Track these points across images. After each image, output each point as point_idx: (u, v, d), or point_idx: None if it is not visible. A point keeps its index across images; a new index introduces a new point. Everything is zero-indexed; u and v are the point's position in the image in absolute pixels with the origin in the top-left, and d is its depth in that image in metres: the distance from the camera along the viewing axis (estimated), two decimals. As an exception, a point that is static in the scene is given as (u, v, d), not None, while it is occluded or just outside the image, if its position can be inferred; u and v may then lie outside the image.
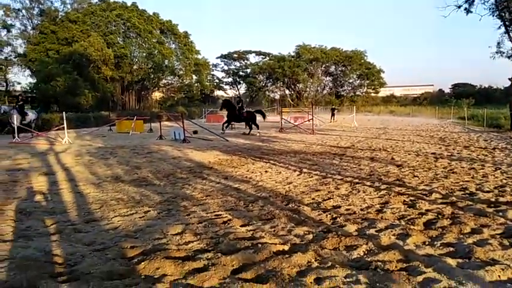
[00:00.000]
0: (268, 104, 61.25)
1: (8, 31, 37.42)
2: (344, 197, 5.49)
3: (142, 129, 21.26)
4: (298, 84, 62.08)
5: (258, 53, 65.06)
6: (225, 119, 19.39)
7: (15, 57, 38.28)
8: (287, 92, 64.37)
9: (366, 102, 61.59)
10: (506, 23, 18.51)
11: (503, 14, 18.26)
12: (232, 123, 19.80)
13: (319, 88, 62.97)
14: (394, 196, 5.49)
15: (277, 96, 64.78)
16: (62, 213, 4.79)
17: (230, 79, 67.27)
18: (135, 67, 42.36)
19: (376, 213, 4.64)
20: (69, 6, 41.40)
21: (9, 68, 37.55)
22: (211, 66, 60.07)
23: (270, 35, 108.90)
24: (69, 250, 3.40)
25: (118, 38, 40.33)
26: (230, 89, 68.28)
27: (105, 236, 3.84)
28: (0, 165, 8.98)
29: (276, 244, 3.52)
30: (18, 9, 38.45)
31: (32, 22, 40.01)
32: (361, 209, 4.82)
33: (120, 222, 4.35)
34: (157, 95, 51.92)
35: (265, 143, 13.99)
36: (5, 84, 37.78)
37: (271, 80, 62.70)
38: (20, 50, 38.73)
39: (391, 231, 3.89)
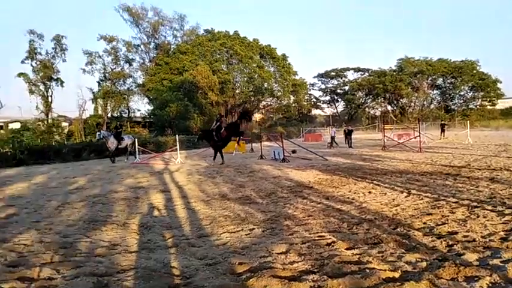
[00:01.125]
0: (369, 121, 59.07)
1: (130, 65, 42.95)
2: (461, 222, 4.96)
3: (244, 149, 22.21)
4: (401, 99, 58.82)
5: (357, 70, 63.57)
6: (323, 137, 18.93)
7: (135, 87, 43.57)
8: (389, 107, 61.40)
9: (481, 116, 55.10)
10: None
11: None
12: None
13: (425, 102, 58.68)
14: (523, 223, 4.79)
15: (378, 113, 62.16)
16: (178, 228, 5.24)
17: (328, 97, 66.80)
18: (237, 91, 44.90)
19: (500, 241, 4.10)
20: (179, 39, 45.96)
21: (130, 96, 42.79)
22: (308, 86, 60.57)
23: (368, 51, 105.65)
24: (184, 263, 3.70)
25: (222, 65, 43.40)
26: (328, 107, 67.86)
27: (216, 251, 4.08)
28: (124, 183, 10.21)
29: (385, 270, 3.33)
30: (138, 45, 43.96)
31: (149, 55, 45.35)
32: (482, 236, 4.30)
33: (228, 239, 4.58)
34: (257, 116, 54.04)
35: (367, 162, 13.44)
36: (127, 111, 43.10)
37: (371, 96, 60.57)
38: (139, 81, 44.05)
39: (521, 263, 3.39)
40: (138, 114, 44.48)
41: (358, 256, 3.78)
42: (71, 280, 3.33)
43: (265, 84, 46.06)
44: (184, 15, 44.64)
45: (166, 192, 8.35)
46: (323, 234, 4.64)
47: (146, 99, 43.93)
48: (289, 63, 49.53)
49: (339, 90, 65.33)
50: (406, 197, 6.97)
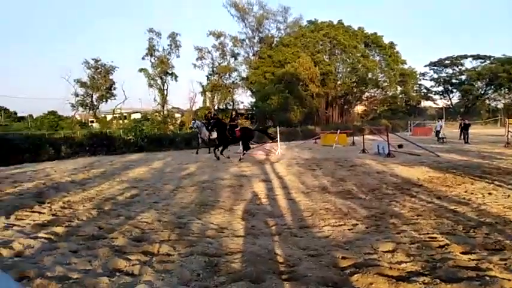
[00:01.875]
0: (489, 114, 52.55)
1: (235, 59, 44.84)
2: None
3: (345, 142, 21.67)
4: (531, 90, 50.95)
5: (476, 57, 56.54)
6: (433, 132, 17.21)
7: (239, 81, 45.41)
8: (514, 99, 53.68)
9: None
10: None
11: None
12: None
13: None
14: None
15: (501, 105, 54.85)
16: (279, 217, 5.38)
17: (440, 88, 60.89)
18: (338, 82, 43.80)
19: None
20: (282, 32, 46.44)
21: (235, 90, 44.80)
22: (418, 76, 56.06)
23: (489, 35, 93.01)
24: (287, 251, 3.80)
25: (324, 56, 42.72)
26: (440, 98, 61.82)
27: (318, 243, 4.10)
28: (229, 171, 10.81)
29: (509, 280, 2.98)
30: (243, 40, 45.62)
31: (253, 49, 46.76)
32: None
33: (330, 232, 4.56)
34: (359, 108, 52.08)
35: (487, 160, 12.00)
36: (231, 103, 45.27)
37: (492, 86, 53.60)
38: (243, 74, 45.74)
39: None
40: (241, 106, 46.43)
41: (475, 262, 3.44)
42: (186, 257, 3.68)
43: (370, 75, 43.99)
44: (288, 8, 44.87)
45: (268, 182, 8.61)
46: (434, 235, 4.32)
47: (249, 92, 45.54)
48: (396, 52, 46.47)
49: (454, 80, 58.97)
50: (536, 201, 6.08)
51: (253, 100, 42.48)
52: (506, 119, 24.50)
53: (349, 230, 4.67)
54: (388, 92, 47.90)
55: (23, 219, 5.35)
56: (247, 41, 46.02)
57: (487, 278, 3.02)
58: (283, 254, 3.74)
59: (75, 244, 4.11)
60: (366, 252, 3.76)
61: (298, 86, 36.79)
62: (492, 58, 54.37)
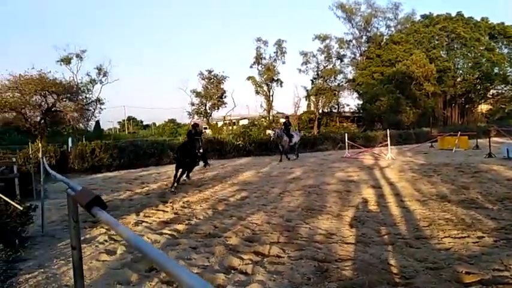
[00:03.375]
0: None
1: (341, 61, 43.85)
2: None
3: (467, 145, 19.49)
4: None
5: None
6: None
7: (345, 83, 44.27)
8: None
9: None
10: None
11: None
12: None
13: None
14: None
15: None
16: (392, 225, 5.09)
17: None
18: (458, 79, 39.69)
19: None
20: (393, 29, 43.96)
21: (340, 92, 43.81)
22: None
23: None
24: (402, 263, 3.57)
25: (441, 52, 39.19)
26: None
27: (437, 256, 3.77)
28: (335, 175, 10.60)
29: None
30: (350, 40, 44.42)
31: (360, 49, 45.18)
32: None
33: (451, 244, 4.15)
34: (483, 107, 46.35)
35: None
36: (336, 106, 44.37)
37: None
38: (350, 76, 44.46)
39: None
40: (346, 109, 45.18)
41: None
42: (296, 261, 3.73)
43: (496, 69, 38.86)
44: (399, 3, 42.22)
45: (377, 188, 8.21)
46: None
47: (355, 94, 44.07)
48: (530, 42, 40.29)
49: None
50: None
51: (360, 102, 41.02)
52: None
53: (473, 243, 4.20)
54: (519, 89, 41.72)
55: (150, 217, 6.06)
56: (353, 41, 44.71)
57: None
58: (397, 264, 3.53)
59: (194, 241, 4.50)
60: (494, 268, 3.35)
61: (411, 85, 34.33)
62: None
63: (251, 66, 41.77)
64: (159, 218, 5.91)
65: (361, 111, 38.47)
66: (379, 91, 33.36)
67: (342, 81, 44.05)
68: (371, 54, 41.46)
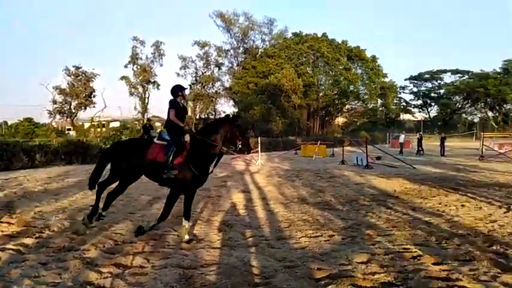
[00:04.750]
0: (465, 127, 54.08)
1: (219, 69, 44.97)
2: None
3: (325, 153, 21.89)
4: (504, 105, 52.75)
5: (455, 72, 58.39)
6: (411, 144, 17.09)
7: (222, 90, 45.47)
8: (490, 114, 55.52)
9: None
10: None
11: None
12: None
13: (534, 109, 51.90)
14: None
15: (477, 119, 56.61)
16: (257, 228, 5.37)
17: (419, 101, 62.44)
18: (321, 94, 44.46)
19: None
20: (267, 43, 46.88)
21: (217, 99, 44.80)
22: (398, 89, 57.46)
23: (468, 51, 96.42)
24: (263, 263, 3.79)
25: (307, 68, 43.39)
26: (419, 111, 63.41)
27: (294, 255, 4.10)
28: (209, 181, 10.72)
29: (477, 291, 3.06)
30: (228, 50, 45.85)
31: (237, 59, 47.01)
32: None
33: (306, 243, 4.57)
34: (340, 120, 52.82)
35: (461, 173, 12.33)
36: (213, 112, 45.21)
37: (469, 101, 55.33)
38: (227, 84, 45.86)
39: None
40: (222, 116, 46.34)
41: (446, 272, 3.52)
42: (160, 270, 3.62)
43: (351, 87, 44.87)
44: (273, 19, 45.43)
45: (247, 193, 8.60)
46: (408, 246, 4.39)
47: (232, 102, 45.65)
48: (378, 65, 47.60)
49: (433, 94, 60.67)
50: (504, 212, 6.28)
51: (236, 110, 42.58)
52: (481, 133, 25.26)
53: (325, 241, 4.70)
54: (368, 105, 48.88)
55: (-12, 231, 5.17)
56: (231, 51, 46.27)
57: (456, 288, 3.09)
58: (259, 265, 3.73)
59: (44, 256, 4.00)
60: (341, 263, 3.80)
61: (281, 97, 37.11)
62: (470, 73, 56.25)
63: (126, 66, 39.70)
64: (2, 231, 5.09)
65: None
66: (253, 100, 35.20)
67: (220, 89, 45.10)
68: (247, 65, 43.50)
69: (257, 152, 17.00)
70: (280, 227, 5.41)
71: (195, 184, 4.89)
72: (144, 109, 40.02)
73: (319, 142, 22.35)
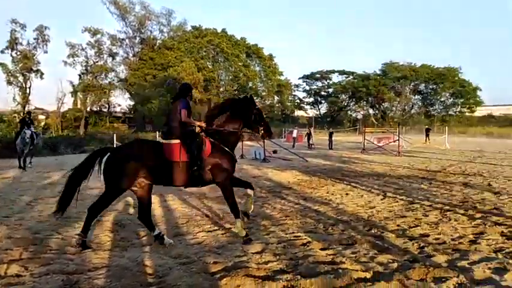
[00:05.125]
0: (350, 123, 59.84)
1: (113, 58, 42.24)
2: (433, 225, 5.08)
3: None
4: (383, 104, 59.81)
5: (341, 72, 64.21)
6: (304, 139, 18.01)
7: (117, 82, 42.87)
8: (371, 111, 62.41)
9: (460, 122, 56.42)
10: None
11: None
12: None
13: (406, 107, 59.87)
14: (490, 226, 4.95)
15: (360, 116, 63.07)
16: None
17: (311, 99, 67.22)
18: (221, 89, 44.80)
19: (469, 244, 4.22)
20: (166, 34, 45.48)
21: (111, 91, 42.04)
22: (293, 87, 60.95)
23: (353, 54, 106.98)
24: (158, 262, 3.66)
25: (207, 63, 43.29)
26: (311, 108, 68.25)
27: (191, 250, 4.05)
28: (101, 179, 10.00)
29: (357, 271, 3.38)
30: (123, 39, 43.29)
31: (133, 50, 44.74)
32: (452, 239, 4.42)
33: (204, 238, 4.57)
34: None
35: (347, 164, 13.62)
36: (107, 105, 42.38)
37: (354, 99, 61.37)
38: (122, 75, 43.37)
39: (486, 264, 3.49)
40: (118, 109, 43.75)
41: (332, 256, 3.82)
42: (40, 277, 3.25)
43: (250, 84, 46.13)
44: (172, 11, 44.25)
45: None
46: (299, 234, 4.67)
47: (127, 94, 43.30)
48: (275, 63, 49.77)
49: (323, 92, 65.83)
50: (382, 199, 7.09)
51: (132, 103, 40.54)
52: (364, 128, 28.19)
53: (222, 234, 4.75)
54: (266, 101, 50.80)
55: None
56: (127, 40, 43.83)
57: (340, 270, 3.37)
58: (153, 264, 3.59)
59: None
60: (236, 255, 3.86)
61: (181, 90, 36.39)
62: (355, 74, 62.33)
63: (3, 52, 34.78)
64: None
65: (133, 112, 38.07)
66: (151, 93, 33.89)
67: (114, 80, 42.45)
68: (144, 56, 41.70)
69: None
70: (178, 224, 5.31)
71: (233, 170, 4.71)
72: (25, 100, 35.61)
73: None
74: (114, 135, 17.35)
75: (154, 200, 7.02)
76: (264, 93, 48.81)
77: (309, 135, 25.45)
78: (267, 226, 5.11)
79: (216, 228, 5.03)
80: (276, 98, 52.64)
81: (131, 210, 6.21)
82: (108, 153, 4.44)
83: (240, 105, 4.83)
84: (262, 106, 51.16)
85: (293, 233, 4.75)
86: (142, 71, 40.36)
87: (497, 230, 4.77)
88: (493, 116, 60.51)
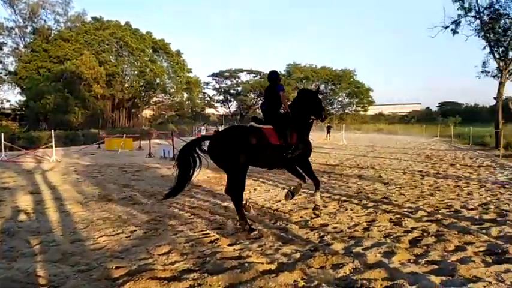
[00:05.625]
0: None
1: (0, 49, 37.34)
2: (331, 215, 5.52)
3: (131, 147, 21.14)
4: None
5: (249, 72, 65.74)
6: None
7: (5, 75, 38.10)
8: (278, 109, 64.98)
9: (355, 120, 62.41)
10: (491, 43, 18.98)
11: (488, 35, 18.76)
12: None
13: (309, 106, 63.68)
14: (380, 214, 5.54)
15: (268, 114, 65.14)
16: (47, 233, 4.71)
17: (221, 97, 67.65)
18: (126, 85, 42.51)
19: (362, 231, 4.67)
20: (62, 25, 41.57)
21: (-1, 85, 37.26)
22: (202, 85, 60.63)
23: (261, 54, 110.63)
24: (53, 271, 3.35)
25: (110, 57, 40.60)
26: (221, 106, 68.67)
27: (91, 256, 3.79)
28: (-15, 184, 8.83)
29: (263, 263, 3.51)
30: (11, 28, 38.51)
31: (24, 40, 40.05)
32: (348, 227, 4.84)
33: (105, 242, 4.29)
34: (147, 112, 51.99)
35: (255, 161, 14.01)
36: (-9, 101, 37.41)
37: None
38: (11, 68, 38.63)
39: (377, 249, 3.91)
40: (7, 105, 38.84)
41: (239, 251, 3.91)
42: None
43: (158, 80, 44.51)
44: (69, 0, 40.51)
45: (36, 194, 7.45)
46: (207, 232, 4.69)
47: (18, 89, 38.68)
48: (183, 60, 48.75)
49: (232, 91, 66.61)
50: (287, 193, 7.44)
51: (24, 98, 36.31)
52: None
53: (126, 237, 4.53)
54: (175, 98, 49.67)
55: None
56: (16, 30, 39.08)
57: (246, 264, 3.47)
58: (46, 274, 3.28)
59: None
60: (141, 258, 3.73)
61: (80, 85, 33.65)
62: (262, 74, 64.25)
63: None
64: None
65: (24, 108, 34.11)
66: (45, 88, 30.67)
67: (1, 73, 37.64)
68: (37, 47, 37.62)
69: (51, 147, 14.95)
70: (76, 229, 4.90)
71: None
72: None
73: (124, 135, 21.41)
74: (2, 134, 15.30)
75: (49, 204, 6.45)
76: (172, 90, 47.59)
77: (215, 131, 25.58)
78: (175, 226, 5.02)
79: (119, 231, 4.76)
80: (185, 95, 51.75)
81: (21, 217, 5.57)
82: (211, 139, 5.28)
83: (311, 95, 5.63)
84: (171, 103, 50.08)
85: (202, 231, 4.74)
86: (35, 64, 36.30)
87: (387, 217, 5.36)
88: (383, 114, 68.37)
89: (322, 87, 62.52)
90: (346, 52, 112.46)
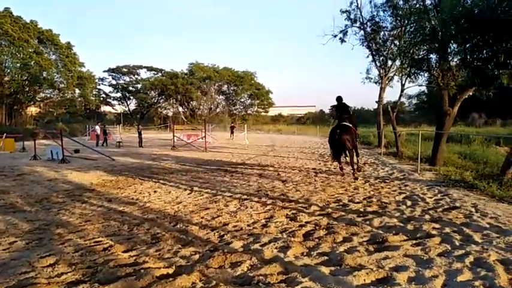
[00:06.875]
0: (161, 121, 59.83)
1: None
2: (232, 214, 5.59)
3: (13, 148, 18.77)
4: (191, 102, 62.07)
5: (150, 69, 63.12)
6: (112, 136, 17.13)
7: None
8: (180, 109, 63.80)
9: (257, 121, 64.61)
10: (373, 52, 21.19)
11: (370, 45, 20.88)
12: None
13: (212, 106, 63.83)
14: (278, 210, 5.78)
15: (170, 113, 63.70)
16: None
17: (119, 94, 63.69)
18: (6, 78, 37.50)
19: (261, 228, 4.82)
20: None
21: None
22: (97, 80, 56.58)
23: (162, 51, 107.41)
24: None
25: (-15, 46, 35.38)
26: (119, 104, 64.62)
27: (-48, 277, 3.24)
28: None
29: (160, 268, 3.39)
30: None
31: None
32: (248, 225, 4.95)
33: (-25, 258, 3.72)
34: (33, 110, 46.59)
35: (156, 162, 13.53)
36: None
37: (163, 96, 61.40)
38: None
39: (274, 244, 4.07)
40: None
41: (134, 257, 3.72)
42: None
43: (44, 74, 40.11)
44: None
45: None
46: (100, 239, 4.37)
47: None
48: (74, 53, 44.76)
49: (131, 88, 63.19)
50: (188, 194, 7.35)
51: None
52: (173, 126, 28.65)
53: (4, 250, 4.00)
54: (66, 94, 45.47)
55: None
56: None
57: (142, 270, 3.32)
58: None
59: None
60: (22, 272, 3.33)
61: None
62: (163, 71, 62.40)
63: None
64: None
65: None
66: None
67: None
68: None
69: None
70: None
71: None
72: None
73: (4, 135, 18.91)
74: None
75: None
76: (62, 85, 43.34)
77: (104, 132, 24.18)
78: (63, 234, 4.57)
79: (-6, 244, 4.18)
80: (77, 91, 47.68)
81: None
82: (341, 127, 9.10)
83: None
84: (61, 100, 45.64)
85: (93, 238, 4.40)
86: None
87: (283, 213, 5.61)
88: (282, 115, 71.97)
89: (225, 87, 63.44)
90: (248, 54, 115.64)
